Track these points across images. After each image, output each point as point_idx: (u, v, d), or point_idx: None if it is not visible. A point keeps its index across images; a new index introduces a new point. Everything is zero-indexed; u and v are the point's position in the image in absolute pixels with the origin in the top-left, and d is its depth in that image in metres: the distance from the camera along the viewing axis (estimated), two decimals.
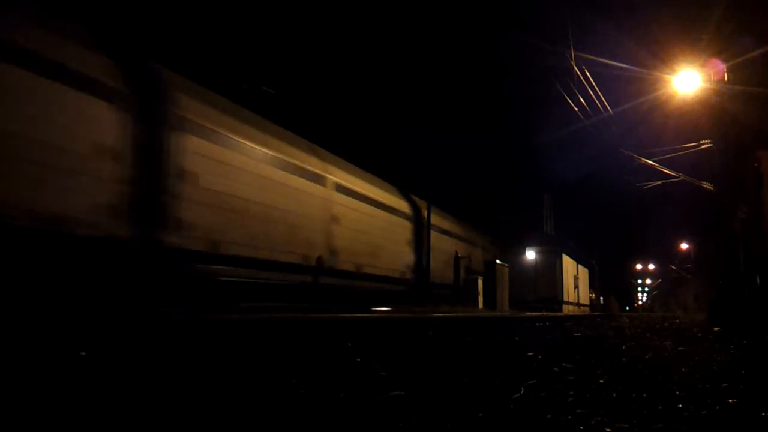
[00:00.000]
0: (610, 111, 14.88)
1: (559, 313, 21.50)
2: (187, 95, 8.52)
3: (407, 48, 45.43)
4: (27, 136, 6.07)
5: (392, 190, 15.67)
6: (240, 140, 9.33)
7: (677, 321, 13.79)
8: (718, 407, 2.39)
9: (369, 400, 2.37)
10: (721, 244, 16.09)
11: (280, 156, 10.50)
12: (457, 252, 20.46)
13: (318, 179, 11.77)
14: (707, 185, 16.30)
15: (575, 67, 13.20)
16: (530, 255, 26.44)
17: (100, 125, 6.93)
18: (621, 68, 13.26)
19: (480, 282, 20.02)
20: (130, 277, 7.30)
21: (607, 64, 13.29)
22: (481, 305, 19.56)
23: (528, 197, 38.74)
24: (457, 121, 39.33)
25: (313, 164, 11.74)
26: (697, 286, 37.96)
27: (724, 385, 2.94)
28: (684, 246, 45.49)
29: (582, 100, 14.10)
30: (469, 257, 21.58)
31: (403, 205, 15.99)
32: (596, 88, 14.06)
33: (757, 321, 8.90)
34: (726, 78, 12.00)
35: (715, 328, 9.05)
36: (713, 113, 13.38)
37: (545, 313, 18.17)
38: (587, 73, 13.58)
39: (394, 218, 15.14)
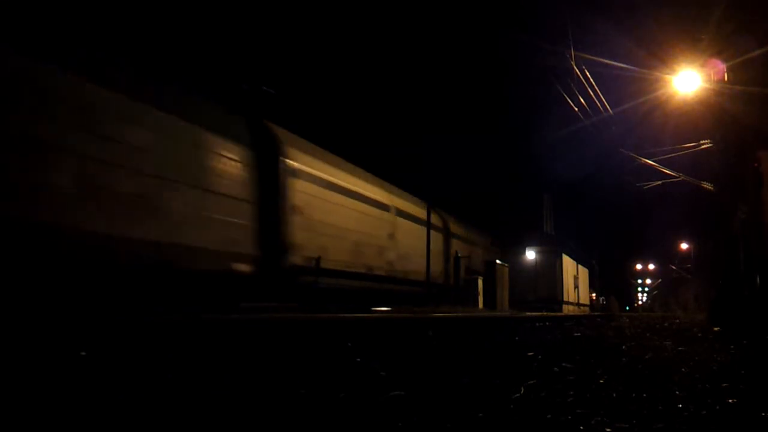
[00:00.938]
0: (610, 111, 14.86)
1: (559, 313, 21.50)
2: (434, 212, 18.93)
3: (407, 48, 45.45)
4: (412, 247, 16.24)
5: (429, 209, 19.31)
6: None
7: (677, 321, 13.79)
8: (718, 407, 2.39)
9: (369, 400, 2.37)
10: (721, 244, 16.09)
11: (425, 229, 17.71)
12: (457, 252, 20.48)
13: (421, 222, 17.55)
14: (707, 185, 16.29)
15: (575, 67, 13.19)
16: (530, 255, 26.43)
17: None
18: (621, 68, 13.24)
19: (480, 282, 20.03)
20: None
21: (607, 64, 13.28)
22: (481, 305, 19.56)
23: (528, 197, 38.76)
24: (457, 121, 39.34)
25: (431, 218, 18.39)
26: (697, 286, 37.94)
27: (724, 385, 2.94)
28: (684, 246, 45.47)
29: (582, 100, 14.09)
30: (469, 257, 21.60)
31: (437, 221, 19.50)
32: (596, 88, 14.04)
33: (757, 321, 8.90)
34: (726, 78, 11.99)
35: (715, 328, 9.05)
36: (713, 113, 13.37)
37: (545, 313, 18.18)
38: (587, 73, 13.57)
39: (435, 234, 18.82)
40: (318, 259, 11.32)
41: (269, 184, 10.21)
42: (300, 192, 10.98)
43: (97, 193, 7.13)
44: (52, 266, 6.60)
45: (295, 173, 10.89)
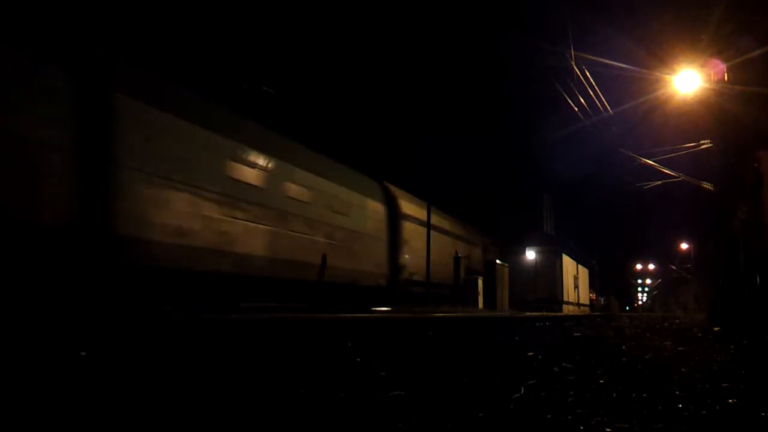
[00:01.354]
0: (610, 111, 14.87)
1: (559, 313, 21.50)
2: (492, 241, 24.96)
3: (407, 48, 45.45)
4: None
5: (474, 231, 23.20)
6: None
7: (677, 321, 13.79)
8: (718, 407, 2.39)
9: (369, 400, 2.37)
10: (721, 244, 16.09)
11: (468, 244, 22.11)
12: (457, 252, 20.50)
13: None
14: (707, 185, 16.29)
15: (575, 67, 13.19)
16: (530, 255, 26.43)
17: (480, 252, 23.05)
18: (621, 68, 13.24)
19: (480, 282, 20.03)
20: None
21: (607, 64, 13.28)
22: (481, 305, 19.57)
23: (528, 197, 38.74)
24: (457, 121, 39.31)
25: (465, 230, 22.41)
26: (697, 286, 37.94)
27: (724, 385, 2.94)
28: (684, 246, 45.45)
29: (582, 100, 14.09)
30: (469, 257, 21.63)
31: (476, 238, 23.51)
32: (596, 88, 14.04)
33: (757, 321, 8.90)
34: (726, 78, 11.99)
35: (715, 328, 9.05)
36: (713, 113, 13.37)
37: (545, 313, 18.18)
38: (587, 73, 13.57)
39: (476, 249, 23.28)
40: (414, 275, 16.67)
41: (391, 226, 15.60)
42: (407, 230, 16.33)
43: (337, 246, 12.65)
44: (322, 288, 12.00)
45: (404, 217, 16.27)
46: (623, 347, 5.18)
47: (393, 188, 16.25)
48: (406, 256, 16.11)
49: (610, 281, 55.03)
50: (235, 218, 9.47)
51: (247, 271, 9.69)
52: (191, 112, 8.97)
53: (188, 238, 8.44)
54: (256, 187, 10.04)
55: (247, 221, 9.75)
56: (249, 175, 9.92)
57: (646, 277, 69.08)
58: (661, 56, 13.22)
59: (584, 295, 33.94)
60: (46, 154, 6.60)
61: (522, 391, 2.63)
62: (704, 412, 2.31)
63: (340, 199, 12.92)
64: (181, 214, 8.40)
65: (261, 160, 10.33)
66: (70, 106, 6.94)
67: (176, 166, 8.39)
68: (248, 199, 9.84)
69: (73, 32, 7.51)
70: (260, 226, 10.03)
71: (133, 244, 7.62)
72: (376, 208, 14.83)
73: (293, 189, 11.17)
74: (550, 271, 26.32)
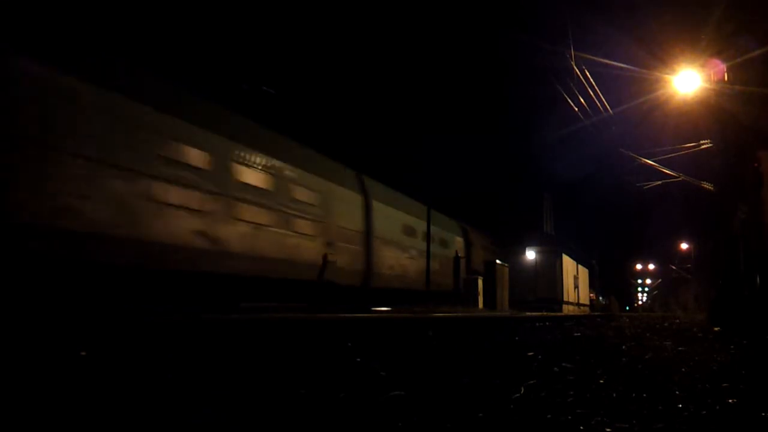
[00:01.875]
0: (610, 111, 14.86)
1: (559, 313, 21.49)
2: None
3: (407, 48, 45.44)
4: None
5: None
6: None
7: (677, 321, 13.79)
8: (718, 407, 2.40)
9: (369, 400, 2.37)
10: (721, 244, 16.09)
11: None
12: (457, 252, 20.53)
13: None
14: (707, 185, 16.30)
15: (575, 67, 13.19)
16: (530, 255, 26.42)
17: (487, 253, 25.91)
18: (621, 68, 13.24)
19: (480, 282, 20.03)
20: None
21: (607, 64, 13.28)
22: (481, 305, 19.56)
23: (528, 197, 38.76)
24: (457, 121, 39.31)
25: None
26: (697, 286, 37.94)
27: (724, 385, 2.94)
28: (684, 246, 45.40)
29: (582, 100, 14.09)
30: (469, 257, 21.67)
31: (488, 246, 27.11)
32: (596, 88, 14.04)
33: (757, 321, 8.90)
34: (726, 78, 11.99)
35: (715, 328, 9.06)
36: (713, 113, 13.38)
37: (545, 313, 18.17)
38: (587, 73, 13.56)
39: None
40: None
41: (467, 252, 22.33)
42: (472, 251, 22.98)
43: (443, 266, 19.97)
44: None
45: (472, 244, 23.22)
46: (623, 347, 5.19)
47: (465, 225, 23.58)
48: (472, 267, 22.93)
49: (610, 281, 55.10)
50: (403, 255, 16.82)
51: (404, 286, 16.72)
52: (387, 198, 16.25)
53: (391, 269, 15.88)
54: (409, 236, 17.21)
55: (409, 257, 17.16)
56: (407, 230, 17.22)
57: (646, 277, 69.11)
58: (661, 56, 13.22)
59: (584, 295, 33.92)
60: (357, 235, 14.16)
61: (522, 391, 2.64)
62: (704, 412, 2.31)
63: (444, 239, 20.32)
64: (390, 257, 15.92)
65: (412, 221, 17.52)
66: (363, 210, 14.55)
67: (389, 232, 15.88)
68: (406, 245, 17.07)
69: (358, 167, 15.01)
70: (413, 260, 17.33)
71: (377, 276, 14.92)
72: (459, 239, 22.18)
73: (423, 235, 18.01)
74: (550, 271, 26.30)
